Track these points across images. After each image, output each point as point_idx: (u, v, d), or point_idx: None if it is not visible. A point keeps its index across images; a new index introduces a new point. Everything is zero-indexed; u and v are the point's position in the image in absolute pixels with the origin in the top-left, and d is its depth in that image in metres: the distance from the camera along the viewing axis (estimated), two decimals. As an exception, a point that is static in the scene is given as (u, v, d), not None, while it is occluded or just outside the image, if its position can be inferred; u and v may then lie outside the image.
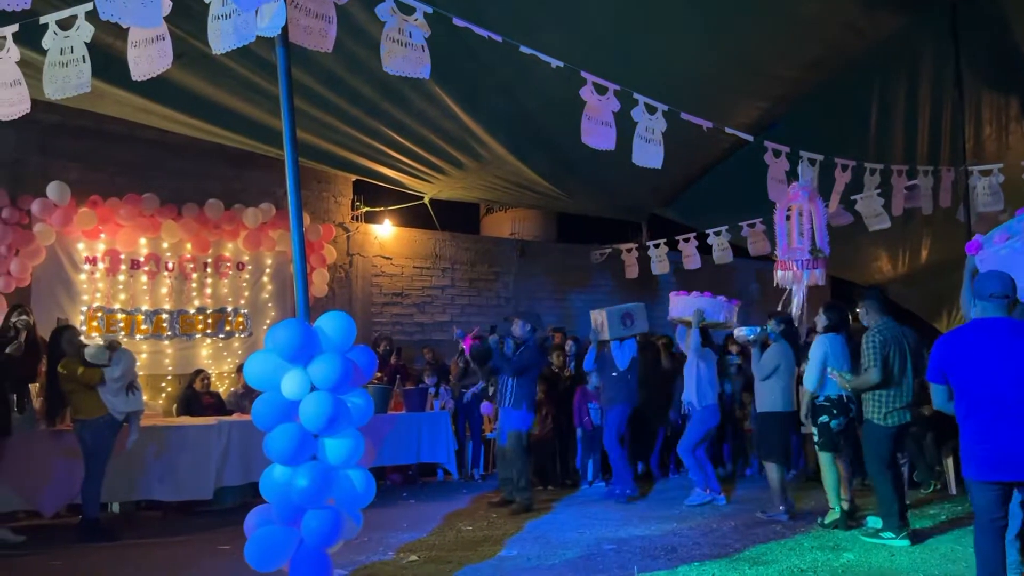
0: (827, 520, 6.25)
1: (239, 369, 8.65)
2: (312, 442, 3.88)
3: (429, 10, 4.57)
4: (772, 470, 6.69)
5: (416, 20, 4.52)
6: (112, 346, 6.40)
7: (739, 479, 8.89)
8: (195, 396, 8.31)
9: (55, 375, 6.27)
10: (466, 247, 11.77)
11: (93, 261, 8.47)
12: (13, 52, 4.43)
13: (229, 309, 9.30)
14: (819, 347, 6.17)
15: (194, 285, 9.08)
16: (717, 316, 7.52)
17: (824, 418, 6.17)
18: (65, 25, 4.31)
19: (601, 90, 5.57)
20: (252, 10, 3.82)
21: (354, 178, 10.34)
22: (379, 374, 8.72)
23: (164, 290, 8.89)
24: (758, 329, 6.94)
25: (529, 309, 9.95)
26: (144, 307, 8.76)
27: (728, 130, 6.77)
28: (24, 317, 6.35)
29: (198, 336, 9.09)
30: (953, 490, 7.59)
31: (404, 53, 4.48)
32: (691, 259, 11.23)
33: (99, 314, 8.47)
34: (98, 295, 8.49)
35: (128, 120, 7.86)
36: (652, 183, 9.54)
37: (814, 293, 7.90)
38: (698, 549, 5.53)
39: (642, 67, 6.43)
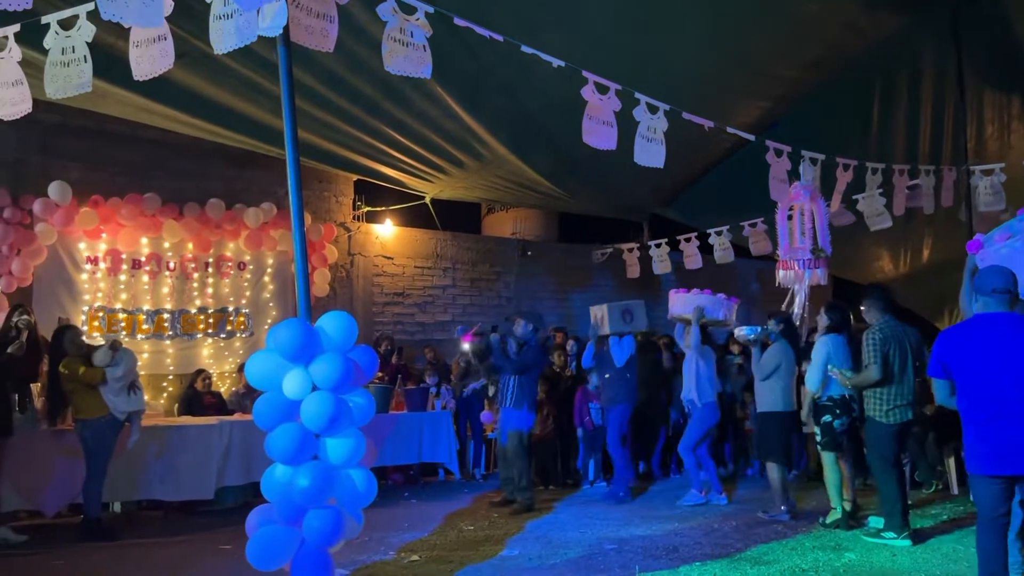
0: (829, 520, 6.24)
1: (240, 369, 8.65)
2: (313, 442, 3.88)
3: (430, 10, 4.57)
4: (773, 470, 6.68)
5: (417, 20, 4.52)
6: (113, 346, 6.40)
7: (740, 479, 8.88)
8: (196, 396, 8.31)
9: (57, 375, 6.27)
10: (467, 247, 11.77)
11: (94, 261, 8.48)
12: (15, 52, 4.43)
13: (230, 309, 9.31)
14: (821, 348, 6.16)
15: (195, 285, 9.08)
16: (717, 313, 7.52)
17: (827, 417, 6.17)
18: (66, 25, 4.32)
19: (602, 89, 5.57)
20: (253, 10, 3.82)
21: (355, 178, 10.34)
22: (380, 374, 8.71)
23: (165, 290, 8.89)
24: (759, 329, 6.93)
25: (531, 309, 9.95)
26: (145, 307, 8.76)
27: (730, 129, 6.77)
28: (25, 317, 6.35)
29: (199, 336, 9.10)
30: (955, 490, 7.59)
31: (405, 53, 4.48)
32: (692, 259, 11.22)
33: (100, 314, 8.47)
34: (99, 295, 8.50)
35: (129, 120, 7.87)
36: (653, 183, 9.54)
37: (816, 293, 7.90)
38: (699, 549, 5.52)
39: (643, 67, 6.43)
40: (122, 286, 8.64)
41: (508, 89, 7.03)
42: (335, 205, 10.44)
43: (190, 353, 9.02)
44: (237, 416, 7.75)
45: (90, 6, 4.17)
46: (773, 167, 7.16)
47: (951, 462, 7.66)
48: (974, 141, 8.81)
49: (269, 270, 9.60)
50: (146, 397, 7.14)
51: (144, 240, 8.73)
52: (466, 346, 8.12)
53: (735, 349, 9.21)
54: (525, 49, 5.26)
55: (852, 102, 8.52)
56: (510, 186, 9.68)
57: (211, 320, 9.16)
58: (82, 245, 8.41)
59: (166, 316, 8.87)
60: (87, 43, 4.26)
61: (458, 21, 4.92)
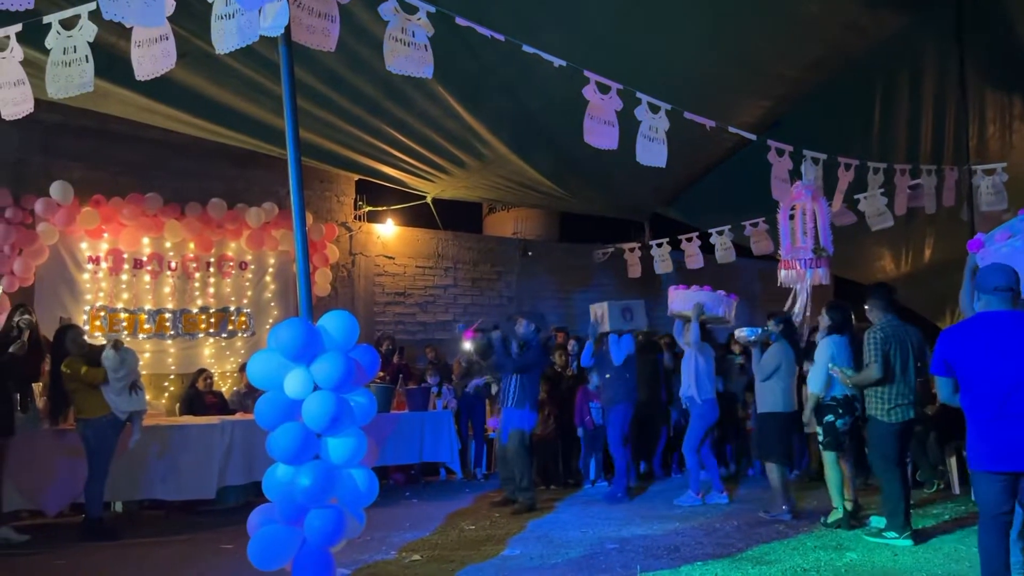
0: (830, 519, 6.24)
1: (242, 368, 8.65)
2: (315, 441, 3.88)
3: (432, 9, 4.57)
4: (772, 470, 6.67)
5: (419, 19, 4.52)
6: (115, 345, 6.41)
7: (742, 479, 8.88)
8: (198, 395, 8.31)
9: (58, 374, 6.28)
10: (469, 246, 11.77)
11: (96, 260, 8.48)
12: (17, 51, 4.44)
13: (232, 308, 9.31)
14: (824, 350, 6.15)
15: (197, 284, 9.09)
16: (716, 310, 7.52)
17: (830, 417, 6.16)
18: (68, 25, 4.32)
19: (604, 89, 5.57)
20: (255, 9, 3.82)
21: (357, 177, 10.34)
22: (382, 373, 8.72)
23: (167, 289, 8.90)
24: (759, 330, 6.94)
25: (532, 309, 9.95)
26: (147, 306, 8.77)
27: (731, 129, 6.76)
28: (27, 316, 6.35)
29: (201, 335, 9.10)
30: (956, 490, 7.58)
31: (407, 52, 4.48)
32: (694, 258, 11.21)
33: (102, 313, 8.48)
34: (101, 294, 8.50)
35: (131, 120, 7.87)
36: (655, 182, 9.54)
37: (818, 292, 7.90)
38: (701, 548, 5.52)
39: (643, 66, 6.43)
40: (124, 286, 8.64)
41: (509, 89, 7.03)
42: (336, 205, 10.44)
43: (192, 353, 9.03)
44: (239, 416, 7.76)
45: (92, 6, 4.17)
46: (775, 167, 7.15)
47: (952, 462, 7.66)
48: (976, 140, 8.80)
49: (271, 270, 9.60)
50: (148, 397, 7.14)
51: (146, 240, 8.73)
52: (468, 344, 8.12)
53: (736, 349, 9.21)
54: (526, 49, 5.26)
55: (854, 102, 8.51)
56: (511, 186, 9.68)
57: (213, 320, 9.17)
58: (84, 245, 8.42)
59: (168, 316, 8.87)
60: (88, 43, 4.27)
61: (459, 21, 4.92)
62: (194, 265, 9.05)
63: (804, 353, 7.07)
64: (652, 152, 5.86)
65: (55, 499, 6.56)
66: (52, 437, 6.56)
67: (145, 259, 8.75)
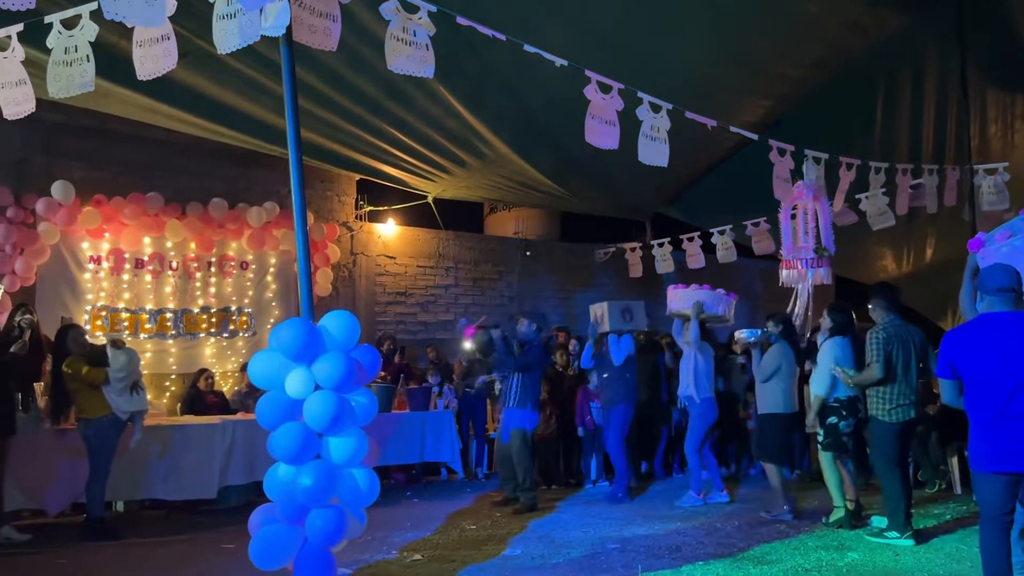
0: (832, 518, 6.24)
1: (243, 368, 8.65)
2: (316, 441, 3.88)
3: (433, 9, 4.57)
4: (772, 471, 6.67)
5: (420, 19, 4.52)
6: (116, 344, 6.41)
7: (743, 478, 8.88)
8: (199, 395, 8.32)
9: (60, 374, 6.28)
10: (470, 246, 11.77)
11: (97, 260, 8.48)
12: (18, 51, 4.44)
13: (233, 308, 9.32)
14: (828, 352, 6.15)
15: (198, 284, 9.09)
16: (716, 309, 7.51)
17: (833, 419, 6.16)
18: (69, 24, 4.32)
19: (605, 89, 5.56)
20: (256, 9, 3.82)
21: (358, 177, 10.34)
22: (383, 373, 8.72)
23: (168, 289, 8.90)
24: (758, 332, 6.93)
25: (534, 308, 9.95)
26: (148, 306, 8.77)
27: (733, 128, 6.76)
28: (28, 316, 6.36)
29: (202, 335, 9.10)
30: (958, 490, 7.57)
31: (408, 52, 4.48)
32: (695, 258, 11.20)
33: (103, 313, 8.48)
34: (102, 294, 8.51)
35: (133, 119, 7.87)
36: (656, 182, 9.53)
37: (819, 292, 7.89)
38: (702, 548, 5.52)
39: (644, 66, 6.42)
40: (125, 285, 8.65)
41: (511, 88, 7.03)
42: (338, 204, 10.44)
43: (193, 352, 9.03)
44: (240, 415, 7.76)
45: (93, 5, 4.17)
46: (776, 166, 7.15)
47: (954, 462, 7.65)
48: (977, 140, 8.79)
49: (272, 269, 9.60)
50: (149, 396, 7.14)
51: (147, 239, 8.73)
52: (468, 344, 8.12)
53: (737, 348, 9.19)
54: (528, 48, 5.26)
55: (855, 101, 8.50)
56: (512, 185, 9.68)
57: (214, 319, 9.17)
58: (85, 244, 8.42)
59: (169, 315, 8.88)
60: (90, 42, 4.27)
61: (461, 20, 4.92)
62: (195, 265, 9.05)
63: (805, 353, 7.08)
64: (654, 151, 5.86)
65: (56, 499, 6.56)
66: (53, 437, 6.56)
67: (146, 259, 8.75)
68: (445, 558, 5.39)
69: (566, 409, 8.71)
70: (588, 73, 5.51)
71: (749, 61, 7.12)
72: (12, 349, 6.14)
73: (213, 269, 9.18)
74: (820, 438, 6.26)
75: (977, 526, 3.86)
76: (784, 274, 7.52)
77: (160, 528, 6.75)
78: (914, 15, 7.31)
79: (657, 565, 5.06)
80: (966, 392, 3.78)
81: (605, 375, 7.88)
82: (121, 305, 8.61)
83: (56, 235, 8.12)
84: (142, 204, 8.56)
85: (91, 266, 8.44)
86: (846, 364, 6.05)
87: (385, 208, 11.15)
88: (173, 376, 8.93)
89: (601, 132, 5.56)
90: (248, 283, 9.44)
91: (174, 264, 8.92)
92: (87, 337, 6.72)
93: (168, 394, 8.86)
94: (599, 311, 7.88)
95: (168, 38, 4.18)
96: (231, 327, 9.28)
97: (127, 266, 8.64)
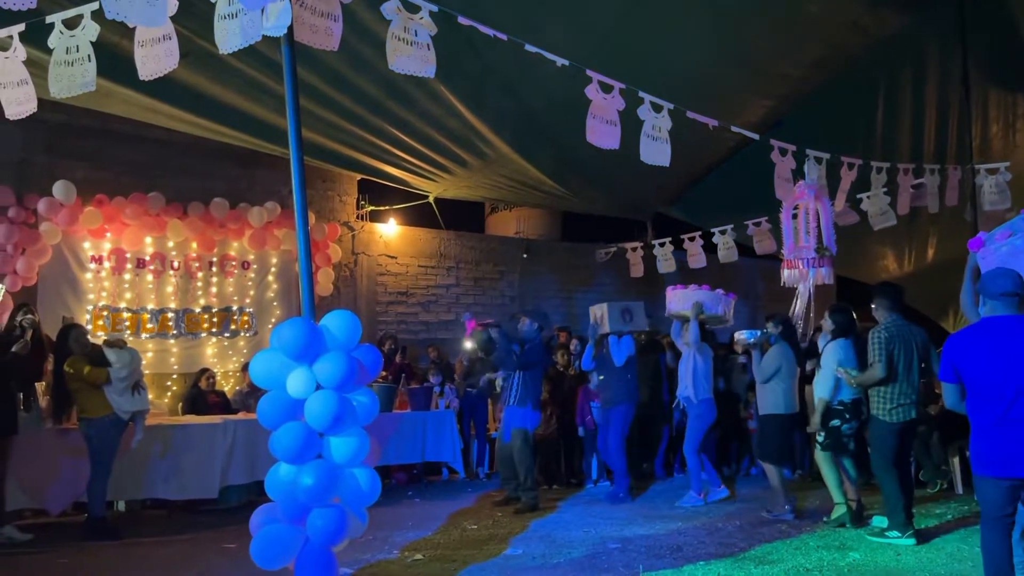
0: (834, 516, 6.24)
1: (244, 368, 8.65)
2: (317, 440, 3.88)
3: (435, 8, 4.57)
4: (772, 471, 6.67)
5: (421, 19, 4.53)
6: (117, 344, 6.41)
7: (745, 478, 8.87)
8: (200, 395, 8.32)
9: (61, 374, 6.28)
10: (471, 246, 11.77)
11: (99, 260, 8.49)
12: (20, 51, 4.44)
13: (234, 308, 9.32)
14: (832, 355, 6.14)
15: (199, 284, 9.09)
16: (716, 309, 7.51)
17: (836, 421, 6.15)
18: (71, 24, 4.33)
19: (606, 88, 5.56)
20: (258, 9, 3.82)
21: (359, 177, 10.35)
22: (384, 373, 8.72)
23: (170, 289, 8.90)
24: (758, 332, 6.93)
25: (536, 308, 9.94)
26: (150, 306, 8.78)
27: (734, 128, 6.76)
28: (30, 316, 6.37)
29: (203, 335, 9.11)
30: (959, 489, 7.57)
31: (409, 52, 4.48)
32: (696, 258, 11.19)
33: (105, 313, 8.48)
34: (104, 294, 8.51)
35: (134, 119, 7.88)
36: (657, 182, 9.53)
37: (821, 292, 7.89)
38: (703, 548, 5.52)
39: (644, 66, 6.42)
40: (126, 285, 8.65)
41: (512, 88, 7.03)
42: (339, 204, 10.45)
43: (194, 352, 9.03)
44: (241, 415, 7.76)
45: (94, 5, 4.18)
46: (778, 166, 7.15)
47: (955, 461, 7.64)
48: (979, 140, 8.78)
49: (273, 269, 9.60)
50: (150, 396, 7.15)
51: (148, 239, 8.73)
52: (468, 344, 8.11)
53: (738, 349, 9.19)
54: (529, 48, 5.26)
55: (856, 101, 8.50)
56: (514, 185, 9.68)
57: (215, 319, 9.17)
58: (86, 244, 8.42)
59: (170, 315, 8.88)
60: (91, 42, 4.28)
61: (462, 20, 4.92)
62: (197, 264, 9.05)
63: (806, 354, 7.07)
64: (656, 151, 5.86)
65: (58, 498, 6.56)
66: (55, 436, 6.56)
67: (148, 259, 8.75)
68: (446, 558, 5.39)
69: (567, 409, 8.71)
70: (589, 73, 5.51)
71: (750, 61, 7.12)
72: (14, 349, 6.14)
73: (214, 269, 9.18)
74: (820, 439, 6.26)
75: (978, 526, 3.86)
76: (785, 274, 7.52)
77: (161, 528, 6.76)
78: (915, 15, 7.31)
79: (658, 565, 5.06)
80: (968, 396, 3.77)
81: (606, 377, 7.87)
82: (123, 305, 8.62)
83: (58, 235, 8.12)
84: (143, 204, 8.57)
85: (93, 266, 8.45)
86: (849, 366, 6.05)
87: (386, 208, 11.15)
88: (174, 376, 8.93)
89: (602, 132, 5.57)
90: (249, 283, 9.44)
91: (175, 264, 8.92)
92: (89, 337, 6.71)
93: (169, 394, 8.86)
94: (599, 312, 7.88)
95: (170, 38, 4.18)
96: (232, 327, 9.29)
97: (128, 266, 8.64)
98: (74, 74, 4.30)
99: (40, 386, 6.79)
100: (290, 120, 4.05)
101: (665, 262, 11.54)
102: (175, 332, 8.91)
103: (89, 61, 4.28)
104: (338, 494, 3.92)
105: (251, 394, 8.07)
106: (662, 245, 11.57)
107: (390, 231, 10.96)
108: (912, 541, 5.49)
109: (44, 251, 8.06)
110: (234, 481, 7.23)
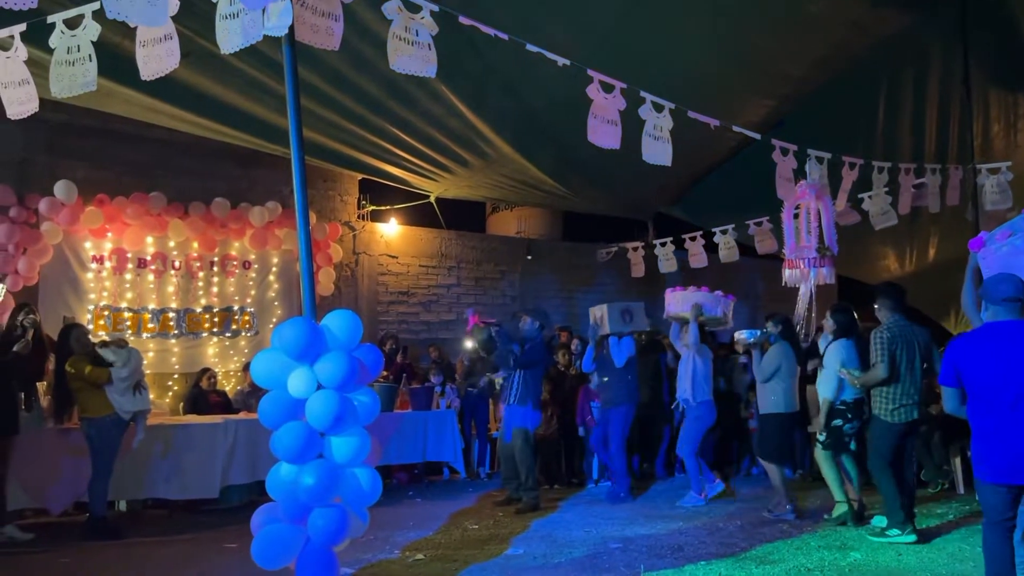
0: (835, 514, 6.24)
1: (245, 367, 8.65)
2: (318, 440, 3.88)
3: (436, 8, 4.57)
4: (773, 471, 6.66)
5: (422, 18, 4.52)
6: (119, 345, 6.41)
7: (745, 478, 8.87)
8: (201, 394, 8.33)
9: (63, 373, 6.28)
10: (472, 246, 11.77)
11: (100, 260, 8.49)
12: (21, 51, 4.45)
13: (235, 308, 9.32)
14: (835, 355, 6.14)
15: (200, 284, 9.10)
16: (715, 311, 7.51)
17: (838, 422, 6.15)
18: (72, 24, 4.33)
19: (608, 88, 5.56)
20: (259, 9, 3.82)
21: (360, 177, 10.35)
22: (385, 372, 8.72)
23: (171, 289, 8.91)
24: (758, 332, 6.92)
25: (537, 307, 9.94)
26: (151, 306, 8.78)
27: (735, 128, 6.75)
28: (31, 316, 6.37)
29: (204, 335, 9.11)
30: (961, 489, 7.56)
31: (410, 52, 4.48)
32: (698, 258, 11.19)
33: (106, 313, 8.49)
34: (105, 294, 8.52)
35: (135, 119, 7.88)
36: (658, 181, 9.53)
37: (822, 291, 7.88)
38: (704, 548, 5.51)
39: (645, 66, 6.41)
40: (127, 285, 8.66)
41: (513, 88, 7.03)
42: (340, 204, 10.45)
43: (195, 352, 9.04)
44: (242, 415, 7.77)
45: (95, 5, 4.18)
46: (779, 166, 7.14)
47: (957, 461, 7.64)
48: (980, 139, 8.78)
49: (274, 269, 9.61)
50: (151, 396, 7.15)
51: (149, 239, 8.74)
52: (469, 343, 8.10)
53: (739, 349, 9.18)
54: (530, 47, 5.26)
55: (858, 101, 8.50)
56: (515, 185, 9.68)
57: (216, 319, 9.18)
58: (88, 244, 8.43)
59: (171, 315, 8.89)
60: (92, 42, 4.28)
61: (463, 20, 4.92)
62: (198, 264, 9.06)
63: (806, 353, 7.07)
64: (657, 151, 5.86)
65: (59, 498, 6.57)
66: (56, 436, 6.57)
67: (149, 258, 8.76)
68: (447, 557, 5.39)
69: (568, 409, 8.71)
70: (591, 72, 5.51)
71: (751, 61, 7.11)
72: (15, 348, 6.15)
73: (216, 268, 9.19)
74: (821, 438, 6.26)
75: (979, 526, 3.86)
76: (787, 274, 7.50)
77: (162, 527, 6.76)
78: (916, 15, 7.30)
79: (659, 565, 5.06)
80: (969, 400, 3.76)
81: (606, 378, 7.86)
82: (124, 305, 8.62)
83: (59, 235, 8.13)
84: (145, 204, 8.57)
85: (94, 266, 8.45)
86: (851, 366, 6.04)
87: (387, 208, 11.15)
88: (176, 376, 8.94)
89: (603, 132, 5.56)
90: (250, 282, 9.45)
91: (177, 264, 8.93)
92: (90, 337, 6.72)
93: (171, 394, 8.87)
94: (599, 313, 7.87)
95: (171, 38, 4.18)
96: (233, 326, 9.29)
97: (130, 266, 8.64)
98: (75, 74, 4.30)
99: (41, 386, 6.79)
100: (291, 120, 4.05)
101: (666, 262, 11.54)
102: (176, 332, 8.91)
103: (90, 61, 4.28)
104: (339, 494, 3.92)
105: (252, 394, 8.07)
106: (663, 245, 11.57)
107: (391, 231, 10.96)
108: (913, 538, 5.48)
109: (45, 251, 8.06)
110: (235, 481, 7.23)
